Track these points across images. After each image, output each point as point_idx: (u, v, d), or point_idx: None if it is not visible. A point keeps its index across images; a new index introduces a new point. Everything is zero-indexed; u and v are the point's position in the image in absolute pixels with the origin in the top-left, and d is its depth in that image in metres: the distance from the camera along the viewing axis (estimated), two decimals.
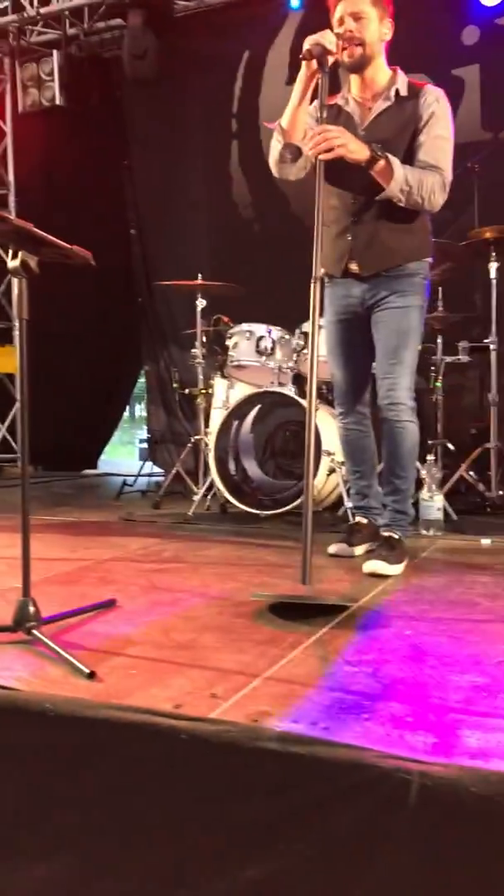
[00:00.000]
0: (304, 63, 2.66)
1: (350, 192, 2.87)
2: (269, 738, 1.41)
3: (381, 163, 2.70)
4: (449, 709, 1.55)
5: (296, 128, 2.84)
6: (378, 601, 2.43)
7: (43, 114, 6.52)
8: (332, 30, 2.70)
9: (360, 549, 3.12)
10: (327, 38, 2.60)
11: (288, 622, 2.17)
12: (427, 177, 2.75)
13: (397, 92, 2.84)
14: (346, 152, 2.65)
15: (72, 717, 1.55)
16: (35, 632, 1.90)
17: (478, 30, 5.26)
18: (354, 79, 2.91)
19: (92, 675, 1.73)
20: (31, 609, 1.92)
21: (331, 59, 2.62)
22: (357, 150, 2.68)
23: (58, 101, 6.40)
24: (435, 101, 2.81)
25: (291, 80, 5.67)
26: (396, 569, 2.79)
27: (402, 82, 2.86)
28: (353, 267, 2.92)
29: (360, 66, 2.82)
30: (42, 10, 6.52)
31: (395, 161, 2.71)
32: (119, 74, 6.51)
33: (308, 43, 2.59)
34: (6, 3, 6.61)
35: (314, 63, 2.62)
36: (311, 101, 2.81)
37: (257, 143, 6.07)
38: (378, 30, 2.78)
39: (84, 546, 3.40)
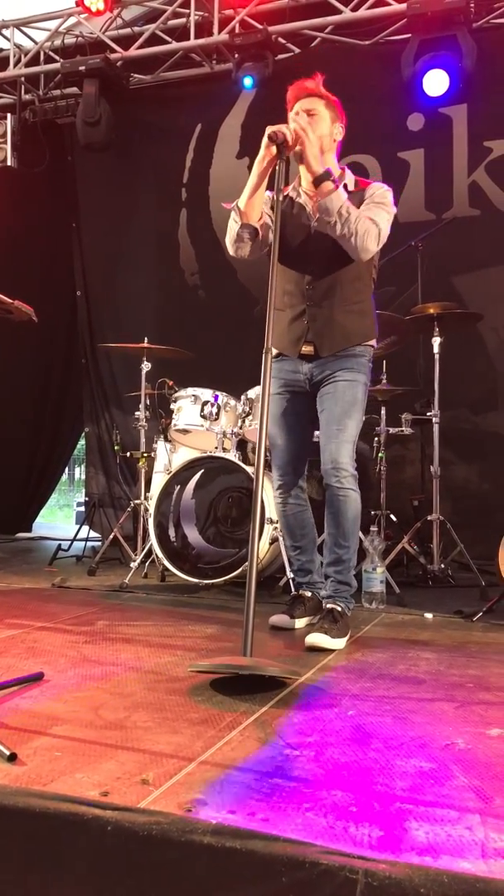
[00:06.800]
0: (264, 147, 2.73)
1: (305, 273, 2.90)
2: (202, 830, 1.30)
3: (330, 184, 2.76)
4: (395, 797, 1.46)
5: (253, 209, 2.88)
6: (320, 677, 2.34)
7: None
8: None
9: (301, 622, 3.04)
10: (287, 131, 2.71)
11: (226, 698, 2.06)
12: (364, 218, 2.80)
13: (345, 187, 2.91)
14: (307, 146, 2.73)
15: None
16: None
17: (422, 117, 5.49)
18: (305, 172, 2.96)
19: (13, 758, 1.61)
20: None
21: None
22: (314, 158, 2.75)
23: (9, 163, 6.43)
24: (380, 188, 2.94)
25: (242, 154, 5.83)
26: (339, 643, 2.71)
27: (349, 179, 2.98)
28: (309, 349, 2.93)
29: None
30: None
31: (342, 190, 2.80)
32: (72, 140, 6.56)
33: (271, 128, 2.69)
34: None
35: (274, 149, 2.69)
36: (267, 187, 2.86)
37: (206, 213, 6.15)
38: (329, 128, 2.92)
39: (12, 614, 3.23)
